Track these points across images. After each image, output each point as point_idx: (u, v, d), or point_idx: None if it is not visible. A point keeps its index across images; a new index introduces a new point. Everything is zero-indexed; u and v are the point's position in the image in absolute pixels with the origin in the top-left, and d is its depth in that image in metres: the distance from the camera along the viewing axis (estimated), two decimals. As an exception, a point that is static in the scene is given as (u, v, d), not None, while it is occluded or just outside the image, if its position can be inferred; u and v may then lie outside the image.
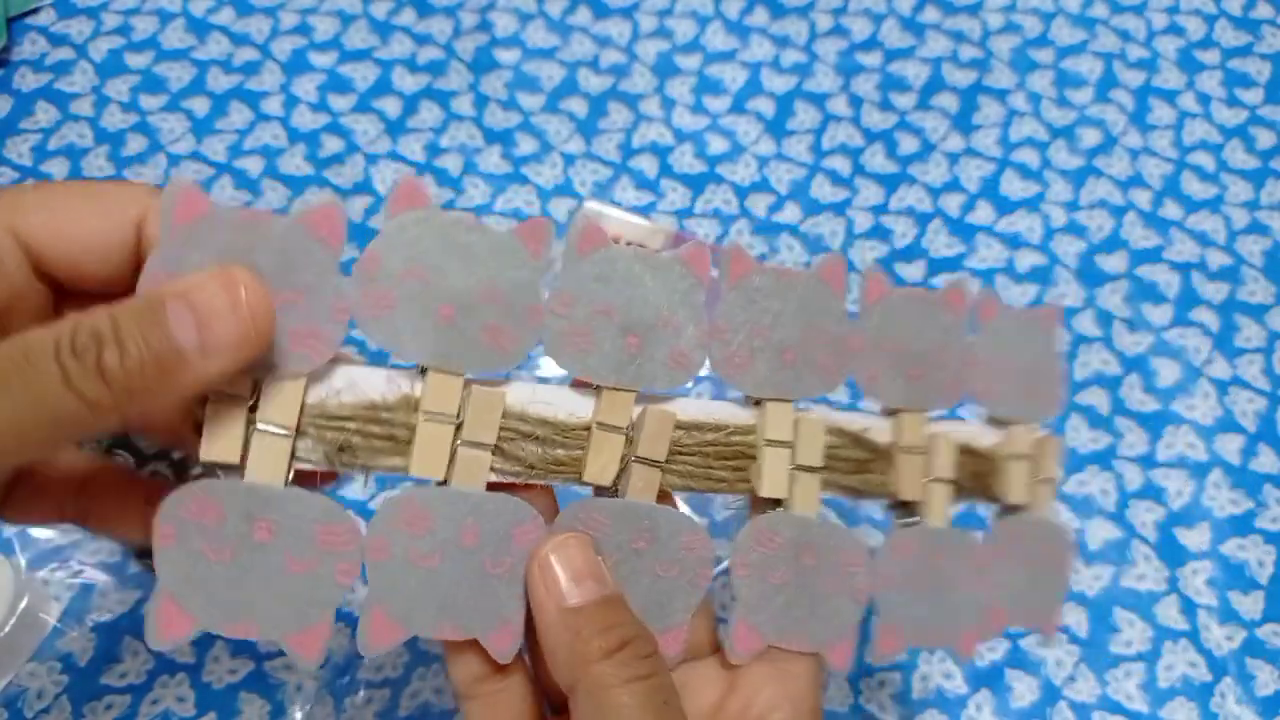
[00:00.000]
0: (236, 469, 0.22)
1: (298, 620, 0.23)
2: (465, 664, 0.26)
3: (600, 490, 0.26)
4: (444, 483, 0.24)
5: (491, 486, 0.24)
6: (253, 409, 0.22)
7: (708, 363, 0.27)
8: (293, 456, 0.23)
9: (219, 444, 0.22)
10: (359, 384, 0.23)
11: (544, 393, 0.25)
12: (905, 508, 0.30)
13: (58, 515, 0.27)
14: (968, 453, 0.30)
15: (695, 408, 0.27)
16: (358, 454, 0.23)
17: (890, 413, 0.30)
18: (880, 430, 0.29)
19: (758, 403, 0.28)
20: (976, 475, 0.31)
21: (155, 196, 0.24)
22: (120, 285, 0.24)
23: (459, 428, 0.24)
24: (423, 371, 0.24)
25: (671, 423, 0.26)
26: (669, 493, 0.27)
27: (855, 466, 0.29)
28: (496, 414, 0.24)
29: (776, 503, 0.28)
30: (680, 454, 0.26)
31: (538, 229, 0.25)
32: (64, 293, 0.25)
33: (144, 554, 0.42)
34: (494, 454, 0.24)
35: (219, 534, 0.22)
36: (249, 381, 0.22)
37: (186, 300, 0.20)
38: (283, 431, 0.22)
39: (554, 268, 0.25)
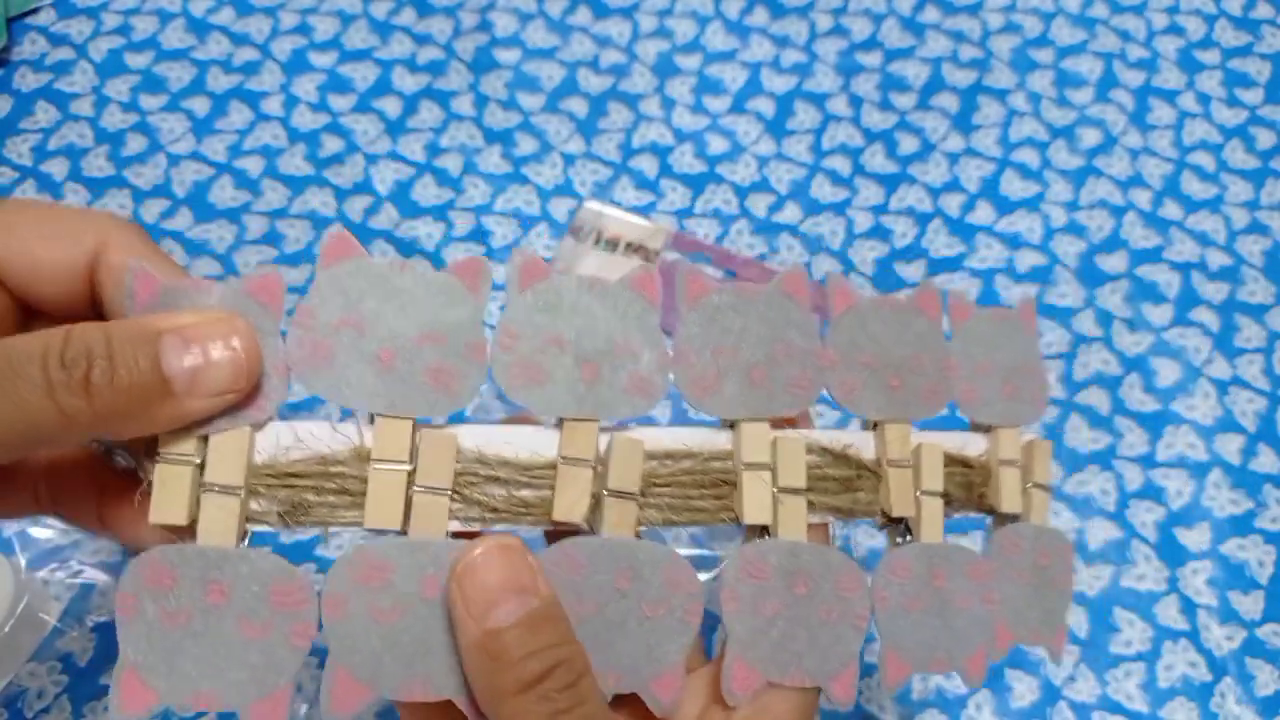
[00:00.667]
0: (188, 531, 0.22)
1: (258, 688, 0.22)
2: None
3: (573, 531, 0.24)
4: (403, 533, 0.23)
5: (457, 536, 0.23)
6: (201, 468, 0.22)
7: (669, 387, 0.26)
8: (244, 517, 0.22)
9: (168, 507, 0.22)
10: (305, 439, 0.23)
11: (502, 432, 0.24)
12: (897, 524, 0.28)
13: (34, 507, 0.26)
14: (956, 462, 0.29)
15: (668, 436, 0.26)
16: (312, 511, 0.23)
17: (872, 426, 0.28)
18: (864, 445, 0.28)
19: (732, 425, 0.26)
20: (967, 485, 0.29)
21: (116, 226, 0.24)
22: (74, 311, 0.24)
23: (412, 474, 0.23)
24: (371, 420, 0.23)
25: (640, 450, 0.24)
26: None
27: (842, 485, 0.27)
28: (450, 456, 0.23)
29: (765, 531, 0.26)
30: (656, 485, 0.25)
31: (474, 266, 0.24)
32: (30, 312, 0.25)
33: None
34: (453, 499, 0.23)
35: (174, 600, 0.22)
36: (196, 441, 0.22)
37: (183, 335, 0.21)
38: (233, 491, 0.22)
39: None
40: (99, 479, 0.26)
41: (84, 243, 0.24)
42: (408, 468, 0.23)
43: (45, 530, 0.42)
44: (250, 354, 0.21)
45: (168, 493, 0.22)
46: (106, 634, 0.41)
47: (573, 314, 0.25)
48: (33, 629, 0.40)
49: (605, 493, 0.24)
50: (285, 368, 0.23)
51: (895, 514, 0.28)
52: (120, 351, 0.20)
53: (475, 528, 0.24)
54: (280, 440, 0.23)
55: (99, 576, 0.42)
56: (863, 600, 0.27)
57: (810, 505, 0.27)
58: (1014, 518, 0.30)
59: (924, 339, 0.29)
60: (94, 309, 0.25)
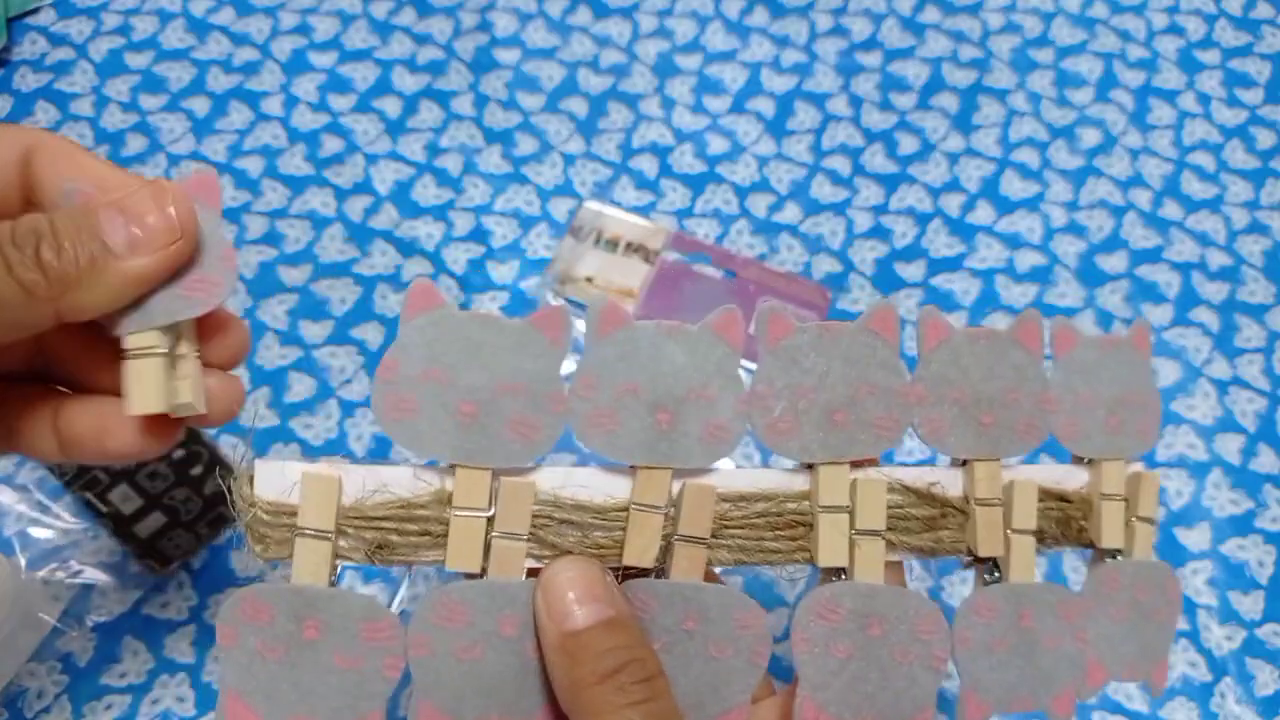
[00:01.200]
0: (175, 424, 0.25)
1: (352, 712, 0.24)
2: None
3: (644, 572, 0.25)
4: (483, 573, 0.24)
5: (532, 573, 0.25)
6: (172, 359, 0.24)
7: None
8: (334, 556, 0.24)
9: (144, 399, 0.24)
10: (389, 484, 0.24)
11: (579, 476, 0.25)
12: (985, 563, 0.28)
13: None
14: (1053, 497, 0.28)
15: (743, 479, 0.26)
16: (396, 550, 0.24)
17: (961, 463, 0.28)
18: (951, 482, 0.27)
19: (810, 467, 0.26)
20: (1064, 521, 0.28)
21: (41, 134, 0.25)
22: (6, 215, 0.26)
23: (492, 519, 0.24)
24: (452, 468, 0.24)
25: (712, 497, 0.25)
26: (714, 574, 0.26)
27: (925, 524, 0.27)
28: (528, 504, 0.24)
29: (841, 572, 0.26)
30: (728, 528, 0.25)
31: (554, 317, 0.25)
32: None
33: (144, 554, 0.42)
34: (530, 541, 0.24)
35: (271, 633, 0.23)
36: (158, 333, 0.24)
37: (119, 206, 0.23)
38: (324, 535, 0.23)
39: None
40: (52, 399, 0.27)
41: (11, 152, 0.25)
42: (487, 514, 0.24)
43: (45, 530, 0.42)
44: (183, 212, 0.23)
45: (141, 385, 0.23)
46: (106, 634, 0.41)
47: (650, 360, 0.25)
48: (33, 629, 0.40)
49: (676, 538, 0.25)
50: (231, 254, 0.24)
51: (982, 554, 0.27)
52: (63, 230, 0.22)
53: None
54: (365, 485, 0.24)
55: (99, 576, 0.42)
56: (942, 642, 0.26)
57: (890, 545, 0.26)
58: (1116, 552, 0.29)
59: (1021, 372, 0.28)
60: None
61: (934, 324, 0.27)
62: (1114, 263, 0.52)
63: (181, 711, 0.40)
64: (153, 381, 0.23)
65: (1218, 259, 0.52)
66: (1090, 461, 0.29)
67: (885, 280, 0.51)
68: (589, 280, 0.50)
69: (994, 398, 0.27)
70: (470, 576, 0.24)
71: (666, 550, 0.25)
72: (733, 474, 0.26)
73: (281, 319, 0.49)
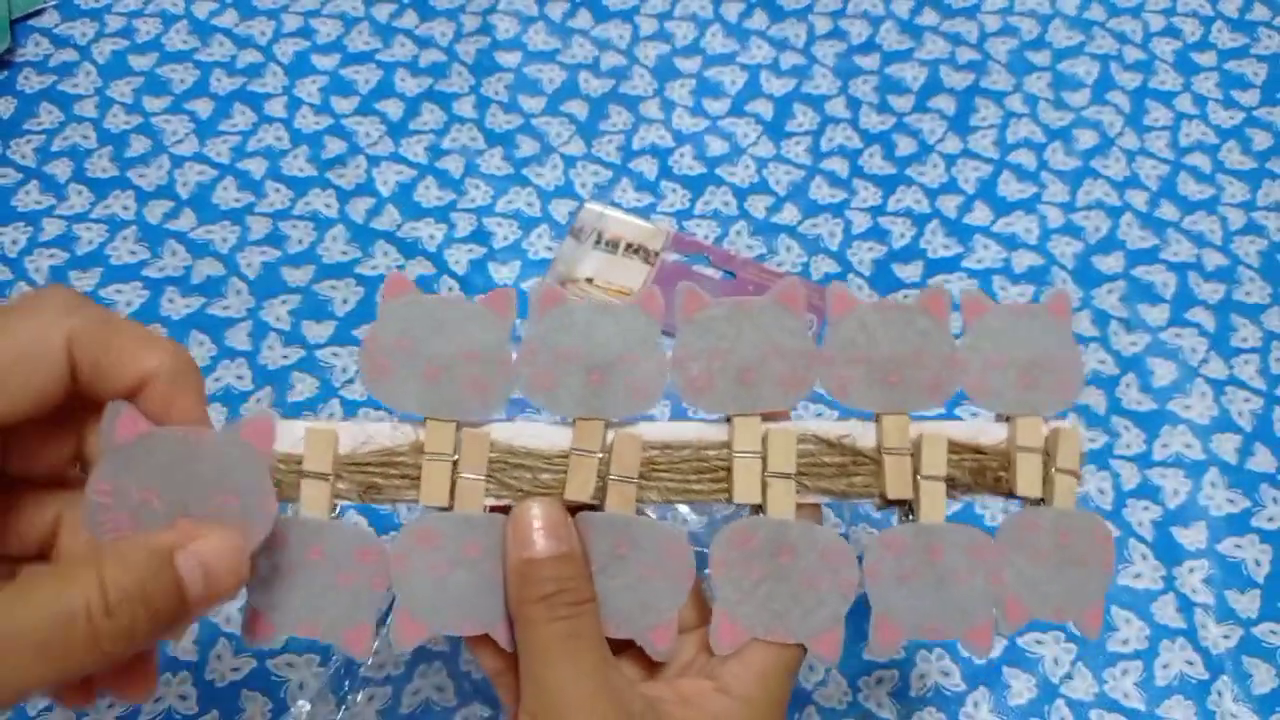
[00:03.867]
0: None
1: (348, 621, 0.28)
2: (486, 656, 0.30)
3: (586, 508, 0.29)
4: (449, 508, 0.29)
5: (493, 510, 0.29)
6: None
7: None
8: (333, 496, 0.28)
9: (285, 490, 0.28)
10: (375, 437, 0.29)
11: (529, 429, 0.29)
12: (901, 507, 0.30)
13: None
14: (968, 449, 0.31)
15: (669, 430, 0.30)
16: (382, 491, 0.29)
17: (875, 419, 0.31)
18: (862, 435, 0.30)
19: (728, 420, 0.30)
20: (979, 470, 0.31)
21: (71, 316, 0.25)
22: (57, 414, 0.26)
23: (456, 463, 0.29)
24: (424, 421, 0.29)
25: (639, 443, 0.29)
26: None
27: (837, 470, 0.30)
28: (484, 450, 0.29)
29: (759, 510, 0.30)
30: (656, 471, 0.30)
31: (503, 297, 0.29)
32: None
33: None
34: (489, 481, 0.29)
35: (284, 556, 0.28)
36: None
37: (201, 565, 0.24)
38: (323, 476, 0.28)
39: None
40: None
41: (54, 345, 0.25)
42: (453, 459, 0.29)
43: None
44: (242, 574, 0.25)
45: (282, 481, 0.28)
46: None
47: (584, 332, 0.29)
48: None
49: (610, 478, 0.29)
50: (271, 502, 0.26)
51: (891, 496, 0.30)
52: (151, 591, 0.23)
53: (506, 502, 0.29)
54: (356, 437, 0.29)
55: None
56: (849, 570, 0.30)
57: (804, 488, 0.30)
58: (1039, 501, 0.31)
59: (928, 336, 0.30)
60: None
61: (840, 295, 0.30)
62: (1110, 263, 0.52)
63: (184, 709, 0.40)
64: (289, 478, 0.28)
65: (1214, 260, 0.52)
66: (1010, 420, 0.31)
67: (883, 281, 0.51)
68: (589, 281, 0.50)
69: (900, 359, 0.30)
70: (441, 510, 0.29)
71: (603, 490, 0.29)
72: (659, 426, 0.30)
73: (284, 319, 0.49)
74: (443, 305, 0.29)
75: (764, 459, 0.29)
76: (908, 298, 0.31)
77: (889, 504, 0.30)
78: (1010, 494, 0.31)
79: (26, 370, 0.25)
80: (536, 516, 0.28)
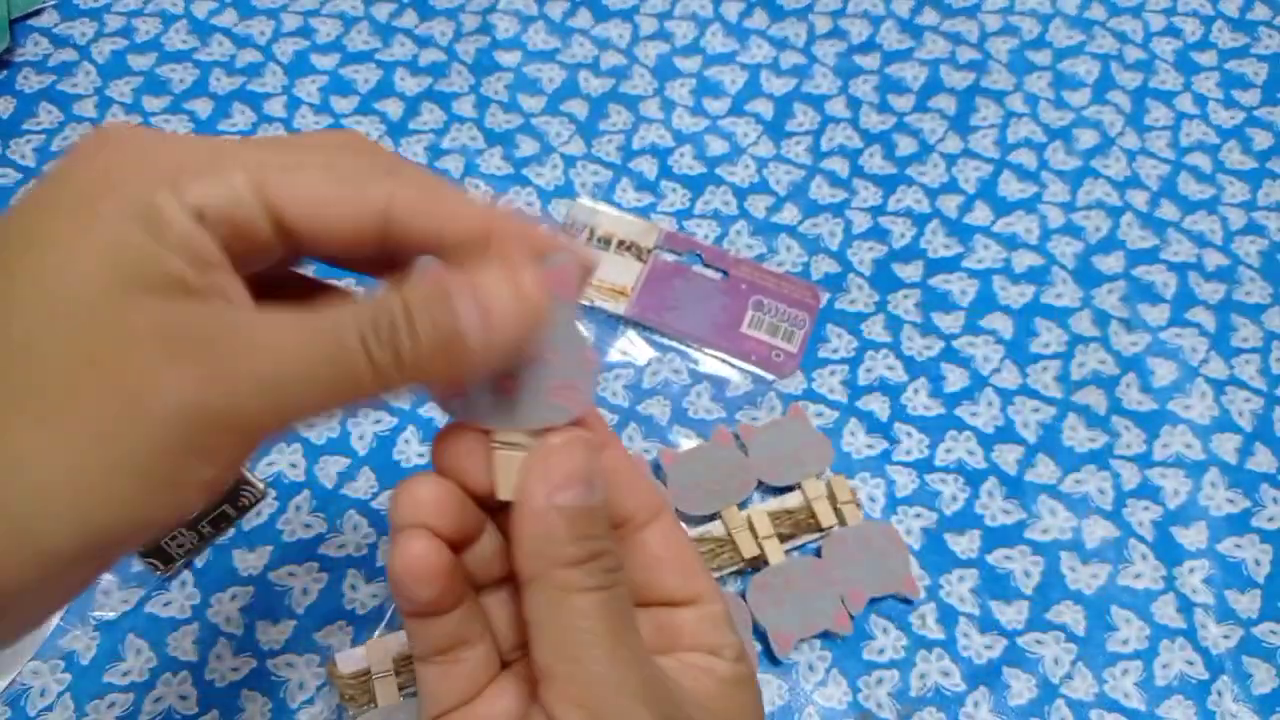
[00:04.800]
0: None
1: None
2: (427, 633, 0.26)
3: None
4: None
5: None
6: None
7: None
8: (399, 687, 0.39)
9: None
10: (404, 637, 0.35)
11: None
12: (756, 561, 0.43)
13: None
14: (784, 514, 0.44)
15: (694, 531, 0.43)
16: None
17: (714, 516, 0.44)
18: (716, 527, 0.44)
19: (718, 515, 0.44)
20: (797, 524, 0.44)
21: (400, 183, 0.24)
22: (359, 261, 0.26)
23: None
24: None
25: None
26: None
27: (713, 554, 0.43)
28: None
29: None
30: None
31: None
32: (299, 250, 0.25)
33: (147, 552, 0.42)
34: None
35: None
36: (524, 434, 0.26)
37: (474, 292, 0.22)
38: (387, 674, 0.39)
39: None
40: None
41: (375, 204, 0.24)
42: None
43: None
44: (536, 297, 0.23)
45: (505, 477, 0.26)
46: (109, 632, 0.42)
47: None
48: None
49: None
50: (592, 357, 0.26)
51: (747, 556, 0.43)
52: (419, 314, 0.22)
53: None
54: (401, 641, 0.38)
55: (101, 575, 0.42)
56: (830, 581, 0.43)
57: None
58: (841, 527, 0.44)
59: (728, 459, 0.45)
60: (364, 256, 0.25)
61: (669, 453, 0.45)
62: (1111, 263, 0.52)
63: (184, 710, 0.40)
64: (514, 475, 0.25)
65: (1214, 259, 0.52)
66: (799, 486, 0.45)
67: (883, 281, 0.51)
68: (589, 281, 0.50)
69: (717, 479, 0.45)
70: None
71: None
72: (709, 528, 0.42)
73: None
74: None
75: (752, 529, 0.43)
76: (709, 442, 0.46)
77: (749, 562, 0.43)
78: (820, 529, 0.44)
79: (337, 215, 0.23)
80: (573, 456, 0.25)
